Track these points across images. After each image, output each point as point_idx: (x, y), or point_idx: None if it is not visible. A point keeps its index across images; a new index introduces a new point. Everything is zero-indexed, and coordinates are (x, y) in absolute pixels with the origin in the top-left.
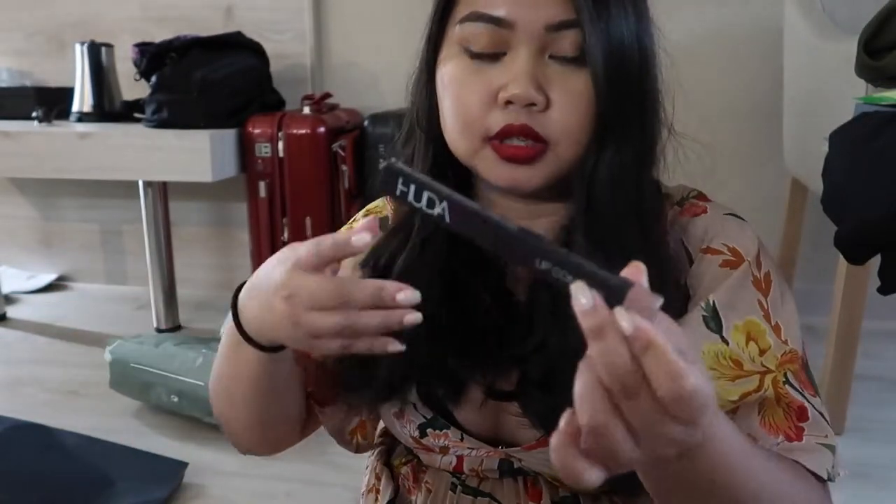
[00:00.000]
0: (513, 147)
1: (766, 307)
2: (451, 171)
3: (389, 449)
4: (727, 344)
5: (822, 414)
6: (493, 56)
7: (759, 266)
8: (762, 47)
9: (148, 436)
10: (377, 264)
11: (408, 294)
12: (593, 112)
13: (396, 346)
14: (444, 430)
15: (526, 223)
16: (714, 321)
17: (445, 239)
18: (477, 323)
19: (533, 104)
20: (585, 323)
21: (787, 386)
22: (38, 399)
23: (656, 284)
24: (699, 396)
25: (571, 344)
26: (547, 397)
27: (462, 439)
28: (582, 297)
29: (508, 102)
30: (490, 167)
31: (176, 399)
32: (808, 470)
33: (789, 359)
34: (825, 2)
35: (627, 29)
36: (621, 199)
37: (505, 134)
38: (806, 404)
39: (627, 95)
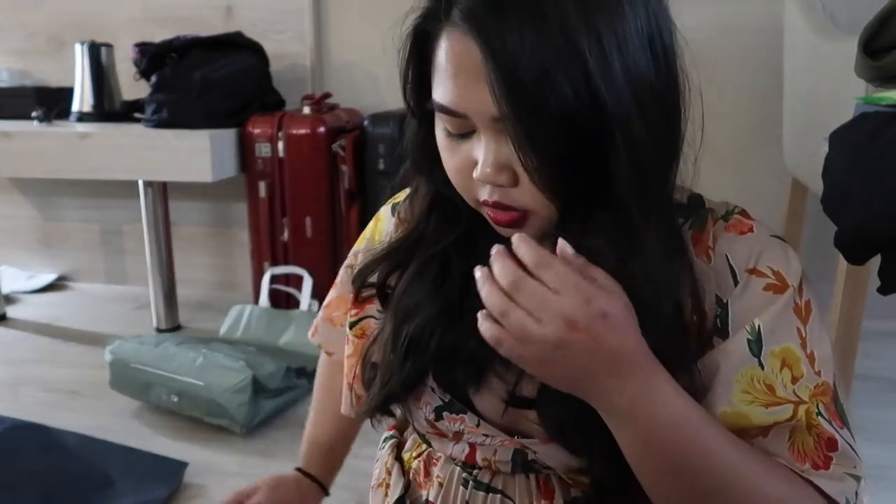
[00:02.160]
0: (497, 214)
1: (804, 335)
2: (457, 206)
3: (400, 443)
4: (762, 368)
5: (851, 446)
6: (465, 134)
7: (801, 294)
8: (762, 47)
9: (148, 436)
10: (372, 282)
11: None
12: (563, 179)
13: None
14: (461, 415)
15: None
16: (757, 345)
17: (464, 246)
18: None
19: (500, 184)
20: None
21: (819, 418)
22: (38, 399)
23: (672, 302)
24: (565, 270)
25: None
26: (565, 407)
27: (478, 425)
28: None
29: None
30: (490, 222)
31: (176, 399)
32: (824, 494)
33: (821, 391)
34: (825, 2)
35: (575, 86)
36: (629, 224)
37: (486, 205)
38: (836, 436)
39: (595, 146)
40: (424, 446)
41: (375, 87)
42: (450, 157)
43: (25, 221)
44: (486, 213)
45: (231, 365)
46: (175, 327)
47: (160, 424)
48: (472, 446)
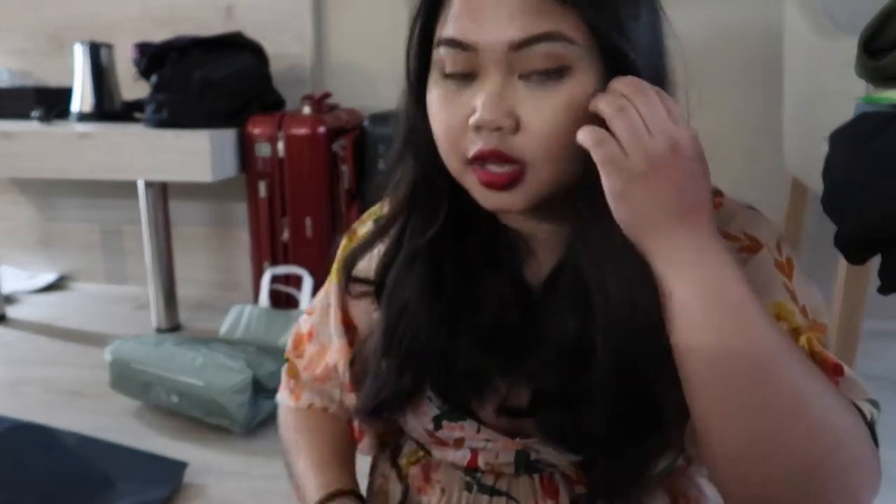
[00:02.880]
0: (490, 174)
1: (791, 289)
2: (443, 191)
3: (395, 449)
4: None
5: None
6: (466, 78)
7: (780, 251)
8: (762, 47)
9: (148, 436)
10: (362, 276)
11: None
12: (571, 129)
13: None
14: (460, 422)
15: (538, 224)
16: None
17: (453, 239)
18: (492, 319)
19: (500, 128)
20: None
21: (821, 346)
22: (39, 399)
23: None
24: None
25: (604, 339)
26: (561, 413)
27: (479, 431)
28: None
29: (478, 127)
30: (475, 190)
31: (176, 399)
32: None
33: (819, 330)
34: (825, 2)
35: (622, 30)
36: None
37: (479, 158)
38: (841, 363)
39: None
40: (422, 452)
41: (375, 87)
42: (444, 109)
43: (25, 221)
44: (477, 177)
45: (231, 365)
46: (175, 327)
47: (160, 424)
48: (474, 452)
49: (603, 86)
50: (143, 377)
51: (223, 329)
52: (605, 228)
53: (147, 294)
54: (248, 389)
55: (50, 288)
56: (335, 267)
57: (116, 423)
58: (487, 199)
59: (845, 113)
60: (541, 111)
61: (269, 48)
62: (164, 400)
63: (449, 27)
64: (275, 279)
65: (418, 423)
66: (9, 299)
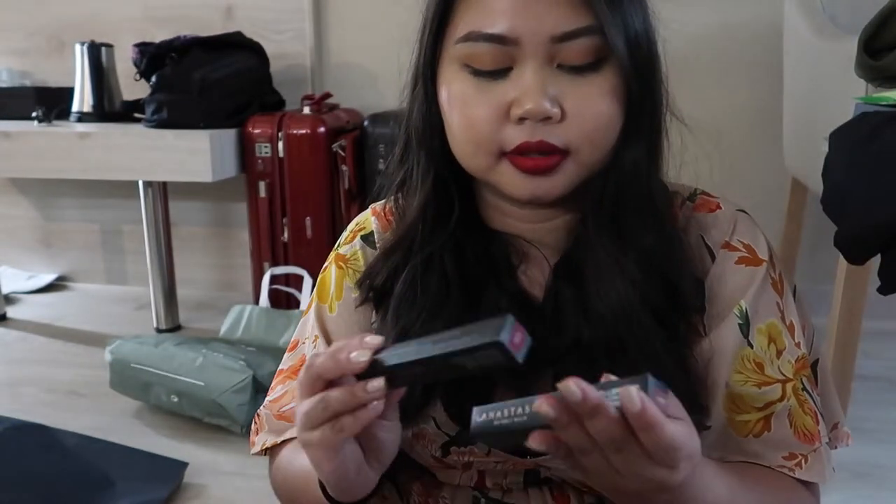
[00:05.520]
0: (533, 159)
1: (781, 308)
2: (454, 186)
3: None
4: (752, 347)
5: (819, 407)
6: (498, 72)
7: (774, 267)
8: (762, 47)
9: (148, 436)
10: (374, 284)
11: (374, 384)
12: (611, 115)
13: (378, 409)
14: (469, 447)
15: (540, 226)
16: (745, 326)
17: (451, 251)
18: None
19: (548, 118)
20: (582, 408)
21: (804, 393)
22: (38, 399)
23: (674, 274)
24: (677, 443)
25: (605, 336)
26: None
27: (489, 453)
28: (574, 389)
29: (522, 118)
30: (509, 181)
31: (176, 399)
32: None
33: (802, 365)
34: (825, 2)
35: (639, 23)
36: (635, 193)
37: (523, 150)
38: (816, 409)
39: (646, 90)
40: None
41: (375, 87)
42: (473, 105)
43: (25, 221)
44: (516, 164)
45: (231, 365)
46: (175, 327)
47: (160, 424)
48: (481, 473)
49: (625, 70)
50: (143, 377)
51: (223, 329)
52: (606, 220)
53: (147, 294)
54: (248, 390)
55: (50, 288)
56: (315, 294)
57: (116, 423)
58: (525, 186)
59: (845, 113)
60: (585, 99)
61: (269, 48)
62: (164, 400)
63: (488, 21)
64: (275, 279)
65: (425, 450)
66: (9, 299)
